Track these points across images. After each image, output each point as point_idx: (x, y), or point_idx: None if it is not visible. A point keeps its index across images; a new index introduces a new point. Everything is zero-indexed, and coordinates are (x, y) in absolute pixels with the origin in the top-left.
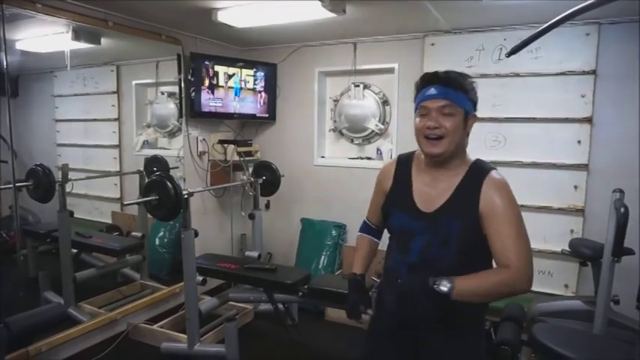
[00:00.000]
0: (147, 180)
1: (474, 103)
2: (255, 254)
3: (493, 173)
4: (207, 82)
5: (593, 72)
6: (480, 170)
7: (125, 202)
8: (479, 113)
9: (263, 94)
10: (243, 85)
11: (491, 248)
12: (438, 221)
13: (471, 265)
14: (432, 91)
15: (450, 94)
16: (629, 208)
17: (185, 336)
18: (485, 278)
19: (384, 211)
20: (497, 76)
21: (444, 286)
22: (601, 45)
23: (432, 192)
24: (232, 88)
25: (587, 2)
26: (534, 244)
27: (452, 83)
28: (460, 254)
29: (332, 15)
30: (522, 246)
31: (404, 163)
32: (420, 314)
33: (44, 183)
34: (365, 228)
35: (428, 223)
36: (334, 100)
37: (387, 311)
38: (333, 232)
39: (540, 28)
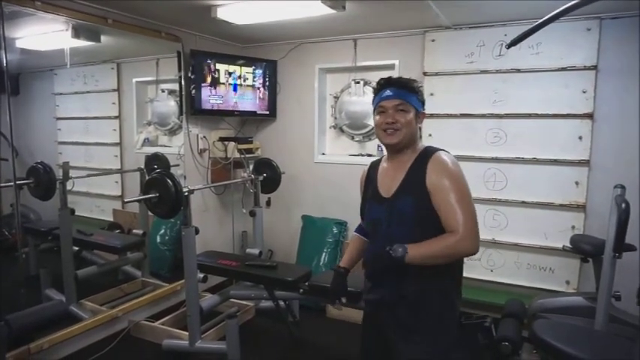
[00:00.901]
0: (147, 177)
1: (423, 103)
2: (256, 251)
3: (438, 153)
4: (207, 80)
5: (595, 67)
6: (426, 153)
7: (126, 200)
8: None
9: (263, 91)
10: (243, 82)
11: (441, 220)
12: (395, 202)
13: (422, 239)
14: (388, 92)
15: (402, 94)
16: (630, 204)
17: (186, 333)
18: (434, 243)
19: (363, 210)
20: (498, 71)
21: (398, 252)
22: (602, 40)
23: (390, 179)
24: (232, 85)
25: None
26: (535, 241)
27: (404, 86)
28: (416, 230)
29: (332, 11)
30: (465, 211)
31: (374, 166)
32: (384, 269)
33: (45, 181)
34: (358, 228)
35: (388, 207)
36: (334, 97)
37: (366, 264)
38: (334, 229)
39: (541, 20)
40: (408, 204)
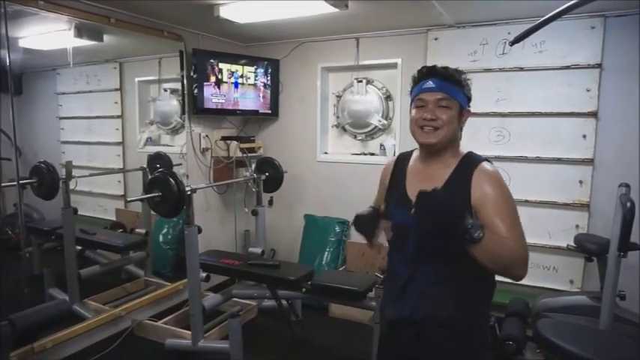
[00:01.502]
0: (150, 177)
1: (469, 99)
2: (258, 250)
3: (484, 164)
4: (209, 79)
5: (599, 65)
6: (471, 161)
7: (128, 199)
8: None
9: (265, 90)
10: (245, 82)
11: None
12: None
13: (461, 255)
14: (430, 84)
15: (447, 87)
16: (635, 202)
17: (189, 332)
18: (503, 241)
19: (384, 210)
20: (501, 70)
21: (476, 234)
22: (607, 38)
23: (424, 185)
24: (234, 84)
25: None
26: (539, 240)
27: (449, 77)
28: (451, 245)
29: (334, 10)
30: (519, 236)
31: (402, 160)
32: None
33: (48, 180)
34: None
35: None
36: (337, 96)
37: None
38: (337, 229)
39: (544, 18)
40: None
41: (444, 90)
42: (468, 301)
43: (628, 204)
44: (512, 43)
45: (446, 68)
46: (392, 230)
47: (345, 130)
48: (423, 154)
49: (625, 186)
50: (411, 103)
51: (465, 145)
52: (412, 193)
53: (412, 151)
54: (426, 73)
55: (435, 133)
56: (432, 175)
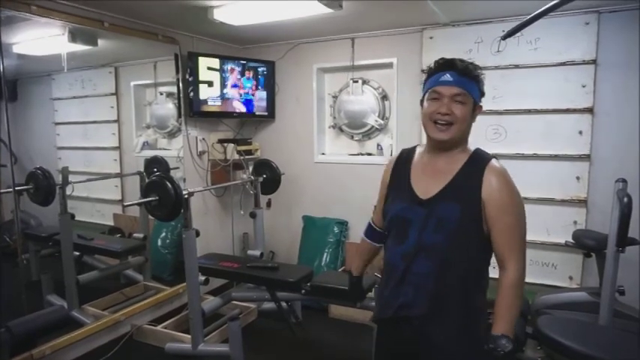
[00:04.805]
0: (147, 181)
1: (483, 94)
2: (257, 253)
3: (494, 162)
4: (205, 82)
5: (594, 61)
6: (481, 158)
7: (125, 204)
8: None
9: (261, 91)
10: (241, 84)
11: (492, 237)
12: (435, 206)
13: (460, 250)
14: (448, 77)
15: (464, 82)
16: (632, 197)
17: (189, 336)
18: (509, 306)
19: (385, 205)
20: (497, 68)
21: (505, 347)
22: (601, 34)
23: (430, 179)
24: (230, 86)
25: None
26: (537, 237)
27: (468, 72)
28: (452, 239)
29: (329, 10)
30: (521, 240)
31: (405, 156)
32: None
33: (44, 186)
34: (368, 231)
35: (425, 209)
36: (333, 97)
37: (387, 268)
38: (335, 229)
39: (536, 12)
40: (454, 211)
41: (461, 85)
42: (465, 295)
43: (625, 199)
44: (505, 37)
45: (464, 62)
46: (393, 223)
47: (341, 130)
48: (432, 148)
49: (622, 181)
50: (424, 94)
51: None
52: (417, 187)
53: (415, 147)
54: (444, 65)
55: (449, 129)
56: (439, 169)
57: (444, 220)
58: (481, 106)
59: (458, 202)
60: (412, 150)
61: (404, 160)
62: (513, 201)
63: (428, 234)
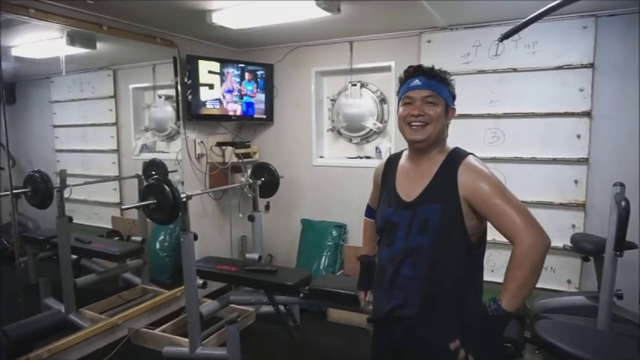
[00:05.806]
0: (145, 184)
1: (454, 97)
2: (255, 256)
3: (469, 158)
4: (203, 85)
5: (591, 65)
6: (456, 156)
7: (123, 207)
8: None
9: (260, 95)
10: (239, 87)
11: (494, 226)
12: (418, 208)
13: (447, 251)
14: (417, 82)
15: (433, 85)
16: (630, 201)
17: (187, 340)
18: (518, 278)
19: (376, 210)
20: (495, 71)
21: (500, 311)
22: (598, 37)
23: (413, 182)
24: (229, 89)
25: None
26: None
27: (435, 76)
28: (437, 240)
29: (327, 14)
30: (518, 211)
31: (392, 161)
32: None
33: (42, 189)
34: (368, 212)
35: (410, 212)
36: (331, 100)
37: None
38: (334, 233)
39: (533, 15)
40: (434, 212)
41: (431, 87)
42: (456, 297)
43: (623, 203)
44: (502, 39)
45: (431, 68)
46: (382, 227)
47: (340, 133)
48: (412, 152)
49: (620, 185)
50: (398, 102)
51: (460, 147)
52: (402, 191)
53: (402, 152)
54: (413, 72)
55: (424, 129)
56: (421, 173)
57: (427, 222)
58: (454, 109)
59: (438, 202)
60: (399, 155)
61: (391, 164)
62: (491, 185)
63: (414, 237)
